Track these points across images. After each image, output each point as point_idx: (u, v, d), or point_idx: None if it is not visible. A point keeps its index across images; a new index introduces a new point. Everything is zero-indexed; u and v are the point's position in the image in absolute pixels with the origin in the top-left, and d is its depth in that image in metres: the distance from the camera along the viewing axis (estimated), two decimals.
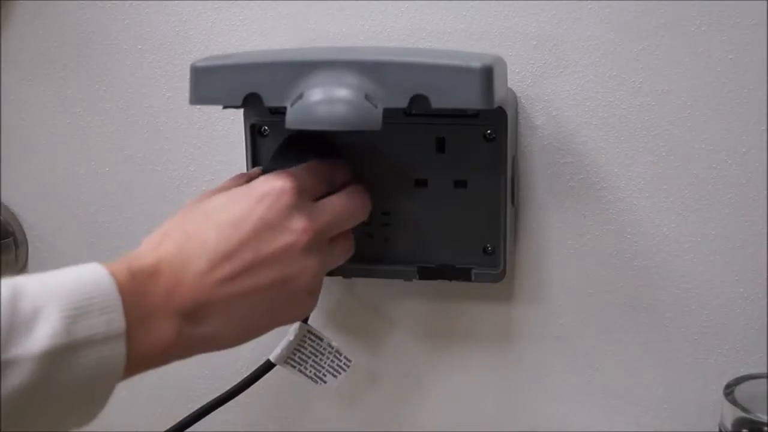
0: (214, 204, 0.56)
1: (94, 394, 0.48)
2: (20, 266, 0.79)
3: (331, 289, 0.73)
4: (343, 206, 0.60)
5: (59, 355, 0.46)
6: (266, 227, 0.55)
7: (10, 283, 0.46)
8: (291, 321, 0.61)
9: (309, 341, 0.68)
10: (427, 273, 0.67)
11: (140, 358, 0.50)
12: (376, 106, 0.55)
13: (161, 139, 0.74)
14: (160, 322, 0.51)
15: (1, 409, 0.44)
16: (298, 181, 0.57)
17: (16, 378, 0.45)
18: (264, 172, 0.60)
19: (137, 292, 0.50)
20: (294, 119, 0.55)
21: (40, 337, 0.45)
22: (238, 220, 0.54)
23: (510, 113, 0.63)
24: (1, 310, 0.45)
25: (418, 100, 0.55)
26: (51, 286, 0.47)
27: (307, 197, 0.58)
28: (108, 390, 0.49)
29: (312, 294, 0.59)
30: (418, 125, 0.65)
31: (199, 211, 0.56)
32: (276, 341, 0.67)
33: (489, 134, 0.64)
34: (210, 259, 0.53)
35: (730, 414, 0.61)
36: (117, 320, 0.48)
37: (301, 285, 0.57)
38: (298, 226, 0.56)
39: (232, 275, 0.53)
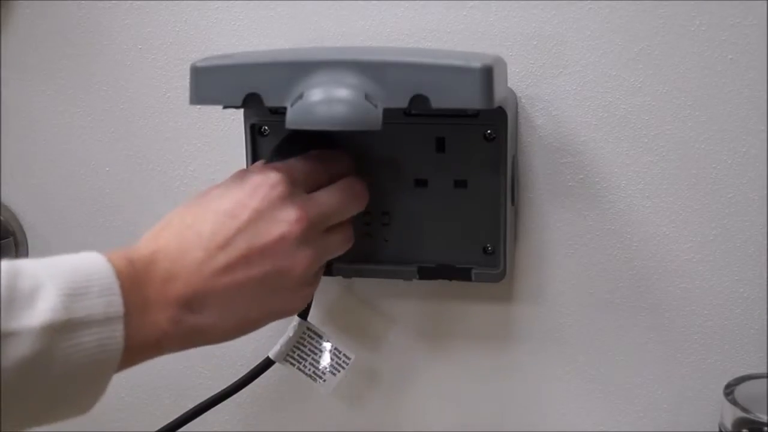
0: (211, 195, 0.57)
1: (94, 378, 0.48)
2: None
3: (330, 289, 0.73)
4: (337, 198, 0.61)
5: (59, 331, 0.46)
6: (260, 218, 0.55)
7: (9, 263, 0.47)
8: (287, 313, 0.61)
9: (308, 338, 0.68)
10: (427, 273, 0.67)
11: (137, 346, 0.50)
12: (376, 106, 0.55)
13: (161, 139, 0.74)
14: (157, 310, 0.51)
15: (1, 384, 0.44)
16: (291, 172, 0.58)
17: (16, 350, 0.45)
18: None
19: (135, 279, 0.50)
20: (294, 119, 0.55)
21: (40, 311, 0.46)
22: (232, 210, 0.55)
23: (510, 113, 0.63)
24: (2, 285, 0.45)
25: (418, 100, 0.55)
26: (50, 268, 0.48)
27: (300, 188, 0.58)
28: (107, 374, 0.49)
29: (307, 285, 0.59)
30: (418, 125, 0.64)
31: (199, 203, 0.57)
32: (276, 339, 0.68)
33: (489, 134, 0.64)
34: (206, 248, 0.54)
35: (730, 414, 0.61)
36: (116, 303, 0.48)
37: (296, 276, 0.57)
38: (290, 217, 0.56)
39: (227, 265, 0.54)
